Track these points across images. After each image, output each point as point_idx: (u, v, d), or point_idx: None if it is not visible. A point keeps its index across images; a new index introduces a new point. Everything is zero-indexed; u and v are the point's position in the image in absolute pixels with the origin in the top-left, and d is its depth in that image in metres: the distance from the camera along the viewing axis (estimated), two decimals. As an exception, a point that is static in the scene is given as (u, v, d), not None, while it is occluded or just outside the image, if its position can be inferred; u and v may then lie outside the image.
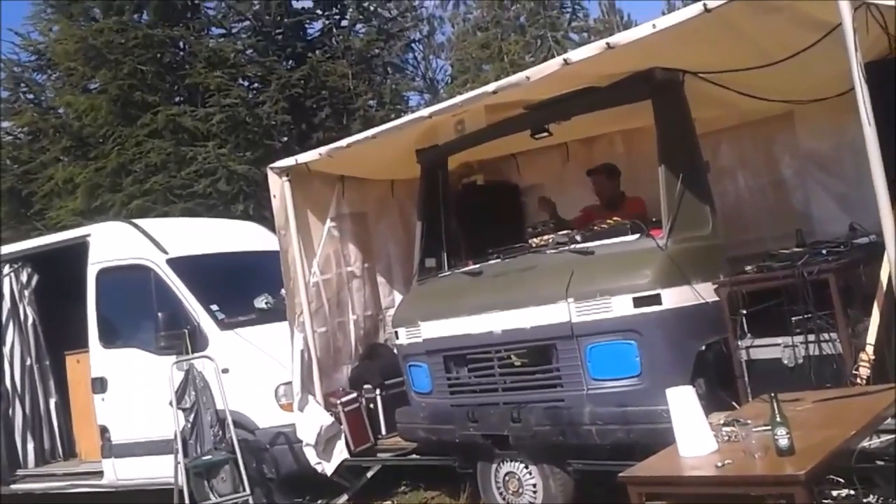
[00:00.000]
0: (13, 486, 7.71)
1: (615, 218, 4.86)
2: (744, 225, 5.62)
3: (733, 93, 4.85)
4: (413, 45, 16.02)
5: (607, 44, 4.15)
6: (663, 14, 4.19)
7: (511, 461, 4.97)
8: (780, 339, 4.05)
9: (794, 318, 3.98)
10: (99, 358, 7.28)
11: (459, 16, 21.11)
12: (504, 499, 5.02)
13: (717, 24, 3.92)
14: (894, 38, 4.12)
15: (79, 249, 7.49)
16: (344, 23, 13.32)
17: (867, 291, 3.94)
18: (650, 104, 4.62)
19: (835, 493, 3.70)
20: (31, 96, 13.47)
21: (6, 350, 7.91)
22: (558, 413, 4.55)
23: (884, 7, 3.69)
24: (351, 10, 13.31)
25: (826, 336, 3.89)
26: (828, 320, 3.88)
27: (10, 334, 7.94)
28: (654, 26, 3.97)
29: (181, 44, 12.41)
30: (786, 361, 4.02)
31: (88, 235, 7.58)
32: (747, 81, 4.72)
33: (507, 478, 5.00)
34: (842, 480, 3.67)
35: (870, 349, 3.80)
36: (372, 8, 13.63)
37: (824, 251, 4.14)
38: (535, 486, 4.86)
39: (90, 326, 7.33)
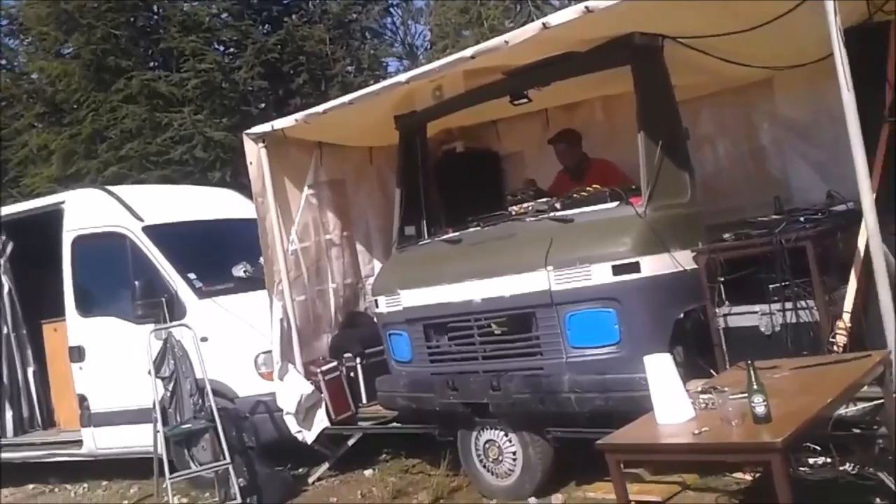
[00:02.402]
0: (-9, 456, 7.68)
1: (594, 185, 4.84)
2: (722, 193, 5.61)
3: (713, 58, 4.80)
4: (391, 9, 15.82)
5: (586, 7, 4.08)
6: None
7: (491, 429, 4.99)
8: (757, 307, 4.07)
9: (771, 286, 4.00)
10: (76, 327, 7.22)
11: (438, -21, 20.84)
12: (484, 466, 5.06)
13: (696, -13, 3.88)
14: (872, 3, 4.09)
15: (54, 217, 7.39)
16: (321, -14, 13.10)
17: (844, 259, 3.97)
18: (630, 70, 4.58)
19: (811, 460, 3.76)
20: (3, 62, 13.20)
21: (-18, 319, 7.83)
22: (538, 381, 4.57)
23: (864, -28, 3.67)
24: (328, -27, 13.10)
25: (803, 304, 3.91)
26: (805, 288, 3.90)
27: (-14, 303, 7.85)
28: (633, -9, 3.92)
29: (155, 7, 12.17)
30: (763, 329, 4.04)
31: (63, 203, 7.48)
32: (727, 47, 4.68)
33: (487, 445, 5.03)
34: (818, 448, 3.73)
35: (846, 317, 3.84)
36: (350, -29, 13.41)
37: (802, 219, 4.16)
38: (514, 453, 4.89)
39: (66, 295, 7.26)
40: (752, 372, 2.79)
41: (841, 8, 3.47)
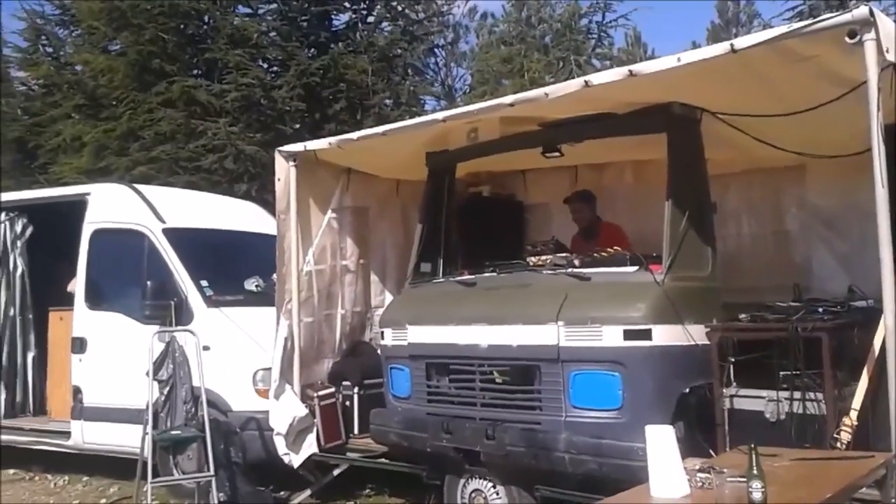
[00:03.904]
0: (-23, 434, 7.65)
1: (615, 248, 4.83)
2: (742, 272, 5.58)
3: (748, 137, 4.83)
4: (436, 49, 15.97)
5: (630, 71, 4.13)
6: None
7: (480, 478, 4.92)
8: (765, 392, 4.01)
9: (781, 373, 3.94)
10: (82, 318, 7.24)
11: (485, 27, 21.17)
12: (467, 515, 4.98)
13: (741, 65, 3.91)
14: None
15: (77, 207, 7.46)
16: (370, 19, 13.26)
17: (858, 356, 3.90)
18: (665, 137, 4.59)
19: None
20: (49, 50, 13.43)
21: (-9, 297, 7.86)
22: (534, 436, 4.51)
23: (910, 71, 3.67)
24: (379, 7, 13.27)
25: (812, 395, 3.85)
26: (815, 379, 3.84)
27: (-2, 282, 7.89)
28: (678, 59, 3.95)
29: (206, 17, 12.36)
30: (768, 415, 3.97)
31: (88, 194, 7.55)
32: (764, 128, 4.71)
33: (473, 494, 4.95)
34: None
35: (854, 414, 3.76)
36: (400, 8, 13.59)
37: (820, 309, 4.11)
38: (500, 505, 4.81)
39: (78, 285, 7.28)
40: (753, 456, 2.74)
41: (884, 105, 3.47)
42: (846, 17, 3.47)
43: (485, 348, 4.81)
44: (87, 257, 7.30)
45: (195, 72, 12.35)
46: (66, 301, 7.46)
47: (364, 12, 13.21)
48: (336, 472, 6.07)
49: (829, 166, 5.23)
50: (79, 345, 7.17)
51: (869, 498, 3.45)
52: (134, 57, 11.66)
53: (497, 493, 4.83)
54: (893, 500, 3.32)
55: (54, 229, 7.84)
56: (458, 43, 20.92)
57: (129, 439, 6.33)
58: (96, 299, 7.26)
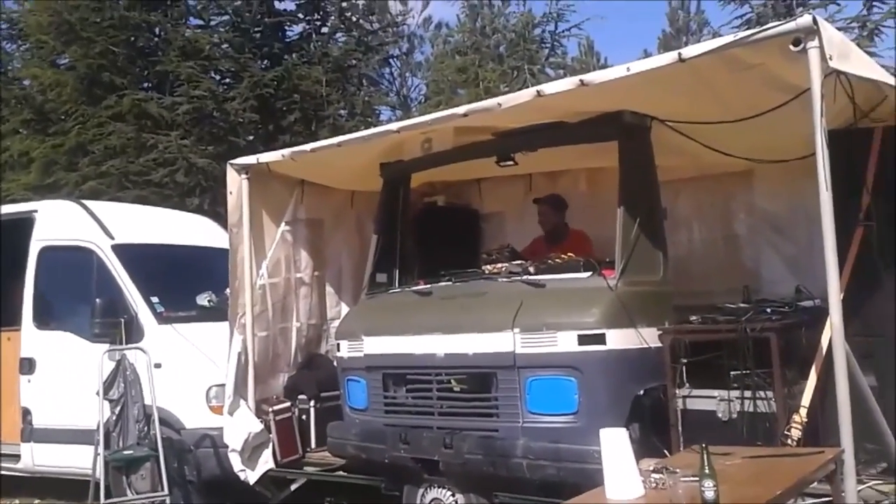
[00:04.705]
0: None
1: (569, 253, 4.86)
2: (693, 276, 5.66)
3: (697, 144, 4.91)
4: (391, 60, 16.04)
5: (581, 80, 4.17)
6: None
7: (438, 487, 4.91)
8: (716, 392, 4.07)
9: (732, 373, 4.01)
10: (30, 338, 7.08)
11: (440, 37, 21.25)
12: (427, 525, 4.95)
13: (689, 74, 3.97)
14: (859, 109, 4.20)
15: (24, 224, 7.30)
16: (324, 30, 13.25)
17: (806, 354, 3.98)
18: (616, 145, 4.65)
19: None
20: (-3, 65, 13.17)
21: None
22: (491, 443, 4.51)
23: (852, 77, 3.76)
24: (333, 17, 13.27)
25: (762, 394, 3.92)
26: (765, 378, 3.91)
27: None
28: (627, 69, 4.01)
29: (157, 30, 12.23)
30: (720, 415, 4.04)
31: (35, 211, 7.39)
32: (712, 135, 4.79)
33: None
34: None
35: (803, 411, 3.84)
36: (354, 18, 13.60)
37: (769, 310, 4.19)
38: (459, 514, 4.80)
39: (25, 305, 7.13)
40: (705, 456, 2.77)
41: (827, 111, 3.56)
42: (790, 25, 3.54)
43: (441, 357, 4.80)
44: (34, 276, 7.13)
45: (146, 85, 12.22)
46: (14, 321, 7.27)
47: (318, 23, 13.20)
48: (293, 486, 5.98)
49: (776, 171, 5.33)
50: (27, 365, 7.00)
51: (820, 492, 3.51)
52: (83, 70, 11.50)
53: (456, 502, 4.82)
54: (843, 494, 3.38)
55: (1, 247, 7.64)
56: (413, 53, 21.00)
57: (81, 460, 6.18)
58: (45, 318, 7.09)
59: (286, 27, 13.07)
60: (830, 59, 3.52)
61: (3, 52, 13.27)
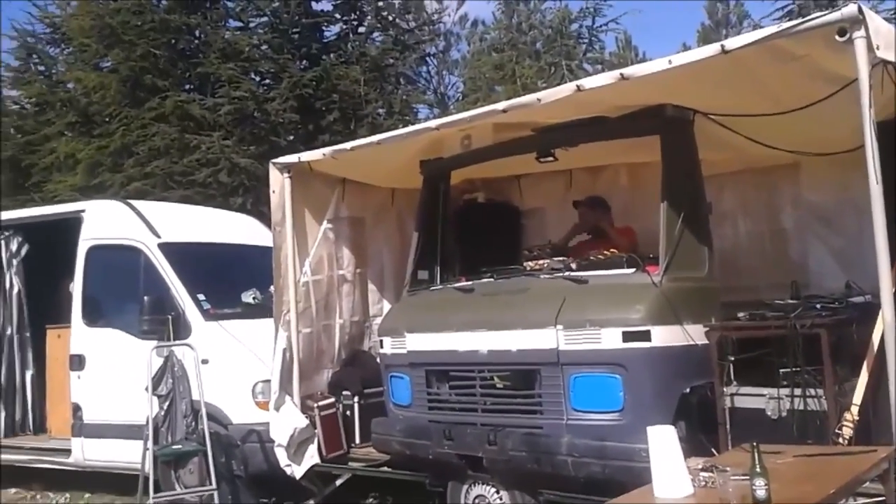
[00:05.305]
0: (-22, 455, 7.62)
1: (612, 249, 4.83)
2: (739, 271, 5.60)
3: (741, 137, 4.85)
4: (428, 58, 16.01)
5: (622, 74, 4.14)
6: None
7: (483, 484, 4.91)
8: (765, 390, 4.02)
9: (781, 370, 3.95)
10: (80, 335, 7.22)
11: (476, 34, 21.24)
12: (472, 521, 4.97)
13: (732, 66, 3.92)
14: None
15: (72, 224, 7.45)
16: (361, 29, 13.32)
17: (857, 351, 3.90)
18: (658, 139, 4.61)
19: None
20: (41, 68, 13.46)
21: (-13, 317, 7.84)
22: (535, 440, 4.50)
23: (900, 67, 3.69)
24: (369, 17, 13.33)
25: (812, 392, 3.86)
26: (815, 376, 3.85)
27: (-6, 302, 7.88)
28: (669, 62, 3.97)
29: (197, 32, 12.39)
30: (769, 413, 3.98)
31: (83, 211, 7.54)
32: (756, 128, 4.72)
33: (476, 500, 4.94)
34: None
35: (855, 409, 3.76)
36: (390, 18, 13.65)
37: (818, 306, 4.12)
38: (504, 511, 4.80)
39: (75, 303, 7.28)
40: (756, 454, 2.74)
41: (875, 102, 3.49)
42: (836, 15, 3.48)
43: (484, 354, 4.80)
44: (83, 274, 7.28)
45: (187, 86, 12.38)
46: (64, 318, 7.44)
47: (355, 23, 13.27)
48: (339, 482, 6.05)
49: (822, 163, 5.25)
50: (77, 362, 7.14)
51: (873, 492, 3.45)
52: (126, 73, 11.69)
53: (500, 498, 4.82)
54: (897, 494, 3.32)
55: (50, 247, 7.82)
56: (450, 51, 21.01)
57: (129, 455, 6.31)
58: (94, 316, 7.23)
59: (323, 27, 13.16)
60: (877, 48, 3.46)
61: (47, 57, 13.53)
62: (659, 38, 31.03)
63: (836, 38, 3.46)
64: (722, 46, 3.79)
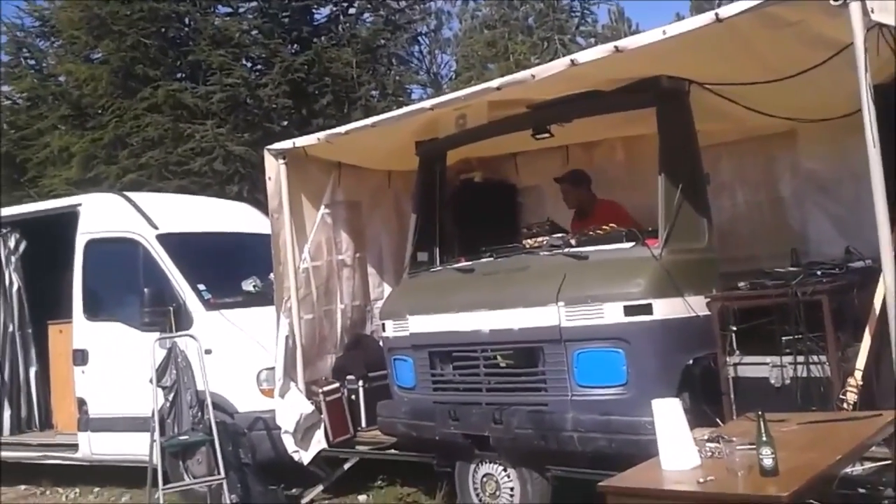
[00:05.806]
0: (-14, 453, 7.64)
1: (611, 224, 4.81)
2: (739, 241, 5.58)
3: (738, 106, 4.81)
4: (419, 38, 15.92)
5: (615, 47, 4.10)
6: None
7: (490, 463, 4.93)
8: (768, 358, 4.01)
9: (784, 338, 3.95)
10: (82, 329, 7.22)
11: (468, 12, 21.07)
12: (480, 500, 4.99)
13: (727, 35, 3.88)
14: (904, 62, 4.08)
15: (69, 219, 7.43)
16: (351, 11, 13.24)
17: (859, 316, 3.90)
18: (654, 112, 4.58)
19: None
20: (32, 62, 13.36)
21: (-12, 315, 7.84)
22: (541, 417, 4.52)
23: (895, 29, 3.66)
24: (359, -2, 13.26)
25: (815, 358, 3.85)
26: (818, 342, 3.84)
27: (-6, 300, 7.87)
28: (664, 32, 3.93)
29: (186, 20, 12.31)
30: (773, 381, 3.98)
31: (79, 205, 7.51)
32: (752, 96, 4.69)
33: (484, 479, 4.96)
34: (821, 505, 3.64)
35: (858, 374, 3.77)
36: (380, -2, 13.56)
37: (819, 272, 4.11)
38: (512, 489, 4.82)
39: (75, 297, 7.27)
40: (762, 423, 2.74)
41: (871, 65, 3.46)
42: (831, -21, 3.44)
43: (487, 333, 4.80)
44: (82, 268, 7.26)
45: (179, 75, 12.32)
46: (65, 314, 7.43)
47: (345, 4, 13.18)
48: (346, 466, 6.08)
49: (820, 130, 5.21)
50: (80, 356, 7.15)
51: (879, 455, 3.46)
52: (117, 64, 11.62)
53: (508, 477, 4.84)
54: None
55: (48, 242, 7.80)
56: (442, 29, 20.84)
57: (137, 447, 6.30)
58: (95, 310, 7.23)
59: (313, 10, 13.07)
60: (872, 11, 3.42)
61: (37, 50, 13.44)
62: (652, 10, 30.77)
63: (831, 2, 3.42)
64: (716, 15, 3.75)
